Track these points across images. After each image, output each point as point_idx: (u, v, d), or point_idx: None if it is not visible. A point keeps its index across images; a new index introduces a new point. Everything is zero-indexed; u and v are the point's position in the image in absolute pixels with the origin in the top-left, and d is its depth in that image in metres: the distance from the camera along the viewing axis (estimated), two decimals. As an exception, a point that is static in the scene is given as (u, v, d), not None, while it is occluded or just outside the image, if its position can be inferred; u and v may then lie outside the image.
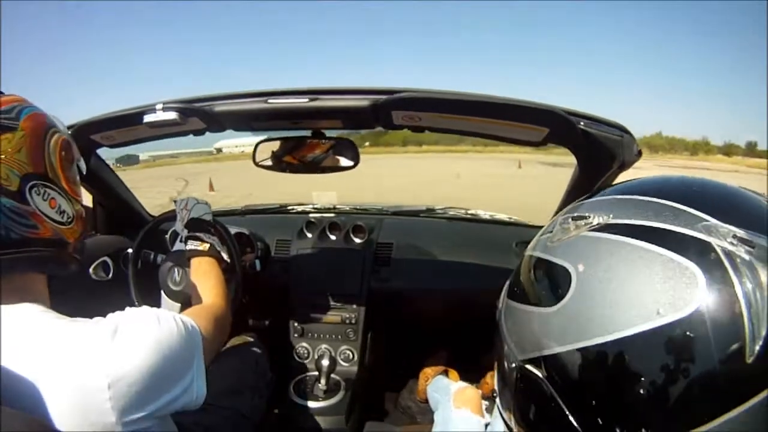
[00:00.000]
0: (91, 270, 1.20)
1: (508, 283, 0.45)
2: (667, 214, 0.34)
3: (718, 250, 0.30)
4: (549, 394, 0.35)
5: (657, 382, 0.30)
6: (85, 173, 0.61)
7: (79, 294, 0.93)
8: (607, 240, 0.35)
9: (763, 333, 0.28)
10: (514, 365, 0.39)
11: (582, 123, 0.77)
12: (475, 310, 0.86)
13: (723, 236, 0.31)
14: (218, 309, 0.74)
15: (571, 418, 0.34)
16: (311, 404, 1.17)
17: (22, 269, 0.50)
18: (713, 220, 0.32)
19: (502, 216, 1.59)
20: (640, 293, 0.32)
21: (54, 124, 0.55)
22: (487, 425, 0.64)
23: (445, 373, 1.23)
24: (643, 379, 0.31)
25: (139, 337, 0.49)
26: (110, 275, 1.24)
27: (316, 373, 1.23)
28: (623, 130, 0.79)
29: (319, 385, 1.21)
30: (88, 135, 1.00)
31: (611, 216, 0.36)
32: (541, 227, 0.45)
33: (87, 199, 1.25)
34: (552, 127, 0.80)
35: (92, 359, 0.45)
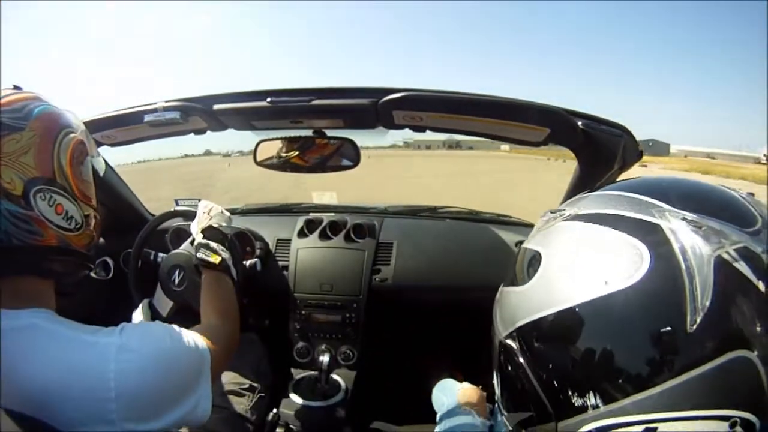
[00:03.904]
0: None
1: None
2: (626, 204, 0.37)
3: (665, 229, 0.33)
4: (520, 364, 0.38)
5: (602, 347, 0.32)
6: (102, 173, 0.59)
7: (79, 293, 0.93)
8: (573, 227, 0.39)
9: (707, 304, 0.29)
10: (498, 344, 0.43)
11: (582, 123, 0.78)
12: (476, 309, 0.86)
13: (672, 218, 0.33)
14: (226, 329, 0.70)
15: (537, 387, 0.36)
16: (311, 404, 1.17)
17: (25, 275, 0.49)
18: (667, 206, 0.34)
19: (503, 215, 1.59)
20: (591, 268, 0.35)
21: (69, 123, 0.52)
22: (491, 427, 0.64)
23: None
24: (589, 344, 0.33)
25: (150, 354, 0.49)
26: (110, 275, 1.24)
27: (316, 373, 1.23)
28: (624, 131, 0.80)
29: (319, 385, 1.21)
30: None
31: (581, 208, 0.40)
32: None
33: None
34: (553, 127, 0.80)
35: (101, 371, 0.45)
